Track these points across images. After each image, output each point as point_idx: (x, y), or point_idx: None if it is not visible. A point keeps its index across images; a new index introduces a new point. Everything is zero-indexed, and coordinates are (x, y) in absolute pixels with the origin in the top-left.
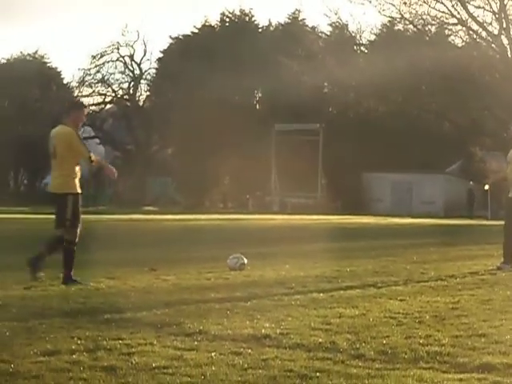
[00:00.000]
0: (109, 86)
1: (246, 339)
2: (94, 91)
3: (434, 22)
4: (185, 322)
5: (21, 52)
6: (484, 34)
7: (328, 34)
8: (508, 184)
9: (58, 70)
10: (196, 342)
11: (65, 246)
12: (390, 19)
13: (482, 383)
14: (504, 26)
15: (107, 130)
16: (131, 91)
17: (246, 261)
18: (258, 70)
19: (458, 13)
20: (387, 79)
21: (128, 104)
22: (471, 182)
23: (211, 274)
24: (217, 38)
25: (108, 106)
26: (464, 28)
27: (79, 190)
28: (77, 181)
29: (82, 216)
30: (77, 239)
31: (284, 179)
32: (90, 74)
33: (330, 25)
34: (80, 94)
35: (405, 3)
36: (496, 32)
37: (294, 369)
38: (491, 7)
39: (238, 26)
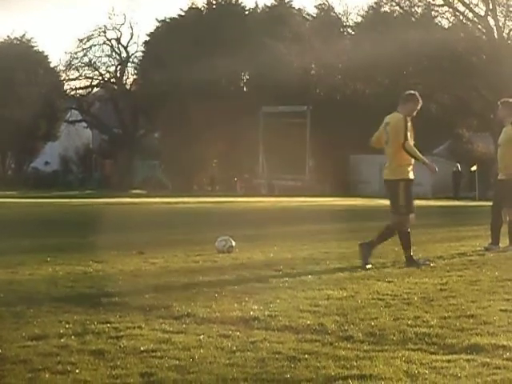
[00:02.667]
0: (96, 69)
1: (235, 322)
2: (80, 75)
3: (420, 4)
4: (173, 304)
5: (7, 36)
6: (470, 15)
7: (314, 15)
8: (497, 166)
9: (45, 53)
10: (184, 325)
11: (399, 231)
12: (376, 1)
13: (470, 364)
14: (490, 7)
15: (94, 114)
16: (118, 74)
17: (234, 243)
18: (245, 53)
19: None
20: (374, 61)
21: (115, 87)
22: (457, 164)
23: (199, 256)
24: (204, 21)
25: (95, 89)
26: (450, 9)
27: (411, 177)
28: (409, 168)
29: (70, 200)
30: (408, 224)
31: (272, 161)
32: (76, 58)
33: (317, 7)
34: (67, 78)
35: None
36: (482, 13)
37: (282, 351)
38: None
39: (225, 9)
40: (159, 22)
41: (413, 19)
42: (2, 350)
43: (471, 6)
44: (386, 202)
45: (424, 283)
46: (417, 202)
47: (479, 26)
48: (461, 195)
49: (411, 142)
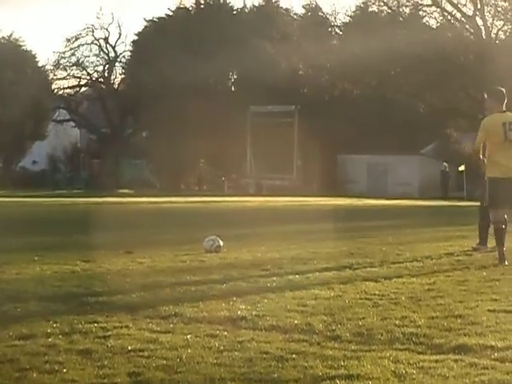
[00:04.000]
0: (84, 68)
1: (222, 321)
2: (68, 74)
3: (408, 4)
4: (160, 304)
5: None
6: (458, 15)
7: (302, 15)
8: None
9: (33, 52)
10: (171, 325)
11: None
12: (364, 0)
13: (458, 364)
14: (478, 6)
15: (82, 113)
16: (106, 74)
17: (221, 243)
18: (233, 53)
19: None
20: (362, 61)
21: (103, 87)
22: (444, 163)
23: (187, 256)
24: (192, 21)
25: (83, 88)
26: (438, 9)
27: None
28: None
29: (58, 199)
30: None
31: (259, 161)
32: (64, 57)
33: (304, 7)
34: (55, 77)
35: None
36: (470, 13)
37: (269, 351)
38: None
39: (213, 9)
40: (147, 21)
41: (401, 19)
42: None
43: (459, 5)
44: (373, 202)
45: (411, 283)
46: (404, 202)
47: (467, 26)
48: (449, 195)
49: None
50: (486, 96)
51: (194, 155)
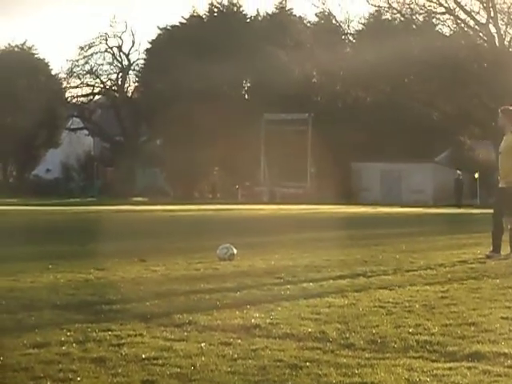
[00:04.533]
0: (97, 77)
1: (236, 329)
2: (82, 82)
3: (421, 11)
4: (174, 312)
5: (8, 44)
6: (472, 22)
7: (315, 23)
8: (498, 174)
9: (46, 61)
10: (185, 333)
11: None
12: (377, 8)
13: (471, 372)
14: (492, 14)
15: (96, 121)
16: (119, 82)
17: (235, 251)
18: (246, 60)
19: (446, 2)
20: (375, 69)
21: (116, 95)
22: (458, 171)
23: (201, 264)
24: (205, 29)
25: (96, 97)
26: (452, 17)
27: None
28: None
29: (72, 207)
30: None
31: (273, 169)
32: (78, 65)
33: (317, 14)
34: (68, 86)
35: None
36: (484, 21)
37: (283, 359)
38: None
39: (227, 17)
40: (161, 29)
41: (414, 27)
42: (3, 357)
43: (472, 13)
44: (387, 210)
45: (425, 291)
46: (418, 210)
47: (480, 34)
48: (463, 202)
49: None
50: (500, 114)
51: (207, 163)
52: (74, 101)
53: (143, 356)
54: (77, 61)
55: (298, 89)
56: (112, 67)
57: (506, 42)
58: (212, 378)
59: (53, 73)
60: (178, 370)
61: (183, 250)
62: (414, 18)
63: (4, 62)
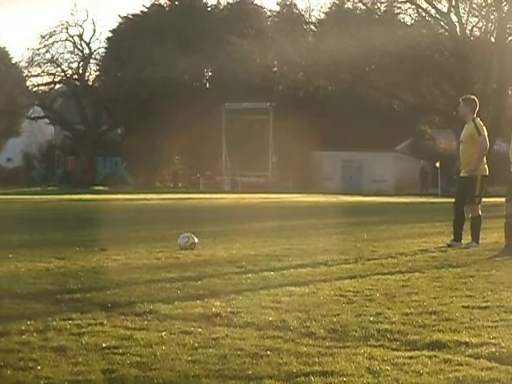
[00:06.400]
0: (58, 65)
1: (197, 318)
2: (43, 71)
3: (383, 0)
4: (135, 301)
5: None
6: (433, 11)
7: (277, 12)
8: (459, 162)
9: (7, 49)
10: (146, 322)
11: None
12: None
13: (432, 361)
14: (453, 3)
15: (57, 110)
16: (80, 71)
17: (196, 240)
18: (207, 49)
19: None
20: (337, 58)
21: (77, 84)
22: (422, 161)
23: (162, 253)
24: (166, 18)
25: (57, 85)
26: (413, 6)
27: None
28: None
29: (32, 196)
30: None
31: (235, 158)
32: (39, 54)
33: (279, 3)
34: (29, 74)
35: None
36: (445, 10)
37: (244, 347)
38: None
39: (187, 6)
40: (122, 18)
41: (375, 16)
42: None
43: (434, 2)
44: (348, 199)
45: (386, 280)
46: (379, 199)
47: (442, 23)
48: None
49: None
50: (461, 103)
51: (168, 152)
52: (34, 89)
53: (104, 345)
54: (38, 49)
55: (260, 78)
56: (73, 56)
57: (467, 31)
58: (172, 366)
59: (13, 61)
60: (139, 358)
61: (144, 239)
62: (376, 7)
63: None
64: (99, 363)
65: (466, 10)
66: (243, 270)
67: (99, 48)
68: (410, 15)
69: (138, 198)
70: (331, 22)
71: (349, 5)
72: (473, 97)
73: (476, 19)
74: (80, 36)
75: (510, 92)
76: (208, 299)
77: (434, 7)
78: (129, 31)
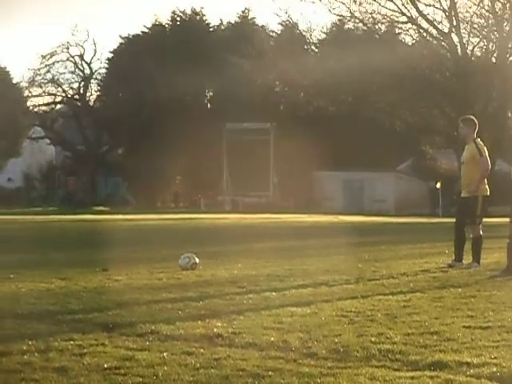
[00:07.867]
0: (59, 85)
1: (198, 339)
2: (44, 91)
3: (384, 21)
4: (136, 322)
5: None
6: (434, 32)
7: (278, 32)
8: (460, 183)
9: (7, 69)
10: (148, 342)
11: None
12: (340, 18)
13: (433, 381)
14: (454, 23)
15: (57, 130)
16: (81, 91)
17: (197, 260)
18: (208, 70)
19: (408, 11)
20: (337, 78)
21: (78, 104)
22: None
23: (163, 273)
24: (167, 38)
25: (58, 106)
26: (414, 26)
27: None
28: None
29: (33, 217)
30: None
31: (236, 178)
32: (39, 74)
33: (281, 24)
34: (30, 94)
35: (355, 1)
36: (446, 30)
37: (246, 368)
38: (441, 5)
39: (189, 26)
40: (123, 38)
41: (376, 36)
42: None
43: (435, 22)
44: (349, 219)
45: (387, 300)
46: (380, 219)
47: (443, 43)
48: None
49: None
50: (461, 124)
51: (170, 172)
52: (35, 110)
53: (105, 366)
54: (38, 69)
55: (261, 98)
56: (74, 76)
57: (468, 51)
58: None
59: (14, 81)
60: (141, 379)
61: (145, 259)
62: (377, 27)
63: None
64: None
65: (467, 30)
66: (244, 291)
67: (100, 68)
68: (410, 35)
69: (139, 219)
70: (332, 42)
71: (350, 25)
72: (472, 117)
73: (477, 39)
74: (81, 56)
75: (510, 114)
76: (209, 320)
77: (435, 27)
78: (130, 51)
